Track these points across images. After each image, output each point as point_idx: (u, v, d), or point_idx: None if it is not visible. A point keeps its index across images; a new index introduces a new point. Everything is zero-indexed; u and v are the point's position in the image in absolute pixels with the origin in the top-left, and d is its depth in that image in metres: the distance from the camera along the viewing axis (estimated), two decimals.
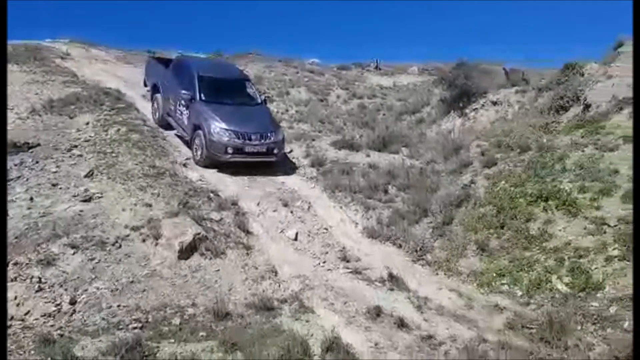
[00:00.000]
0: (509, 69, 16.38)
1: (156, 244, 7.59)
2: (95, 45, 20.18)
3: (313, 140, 13.13)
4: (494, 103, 13.90)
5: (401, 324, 6.55)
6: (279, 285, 7.68)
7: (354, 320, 6.69)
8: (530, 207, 9.01)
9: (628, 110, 9.95)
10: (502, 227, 8.86)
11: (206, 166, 10.95)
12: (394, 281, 7.90)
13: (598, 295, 7.30)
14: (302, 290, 7.57)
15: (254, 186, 10.50)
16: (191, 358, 5.23)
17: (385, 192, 10.71)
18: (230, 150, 10.93)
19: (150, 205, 8.40)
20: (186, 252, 7.57)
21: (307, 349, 5.84)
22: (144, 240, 7.62)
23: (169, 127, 12.45)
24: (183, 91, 11.69)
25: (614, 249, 7.76)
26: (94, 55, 18.71)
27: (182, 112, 11.95)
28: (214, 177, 10.61)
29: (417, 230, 9.43)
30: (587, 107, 11.20)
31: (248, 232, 8.86)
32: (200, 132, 11.17)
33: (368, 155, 12.49)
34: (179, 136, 12.11)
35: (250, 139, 11.14)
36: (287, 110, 16.69)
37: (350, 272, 8.20)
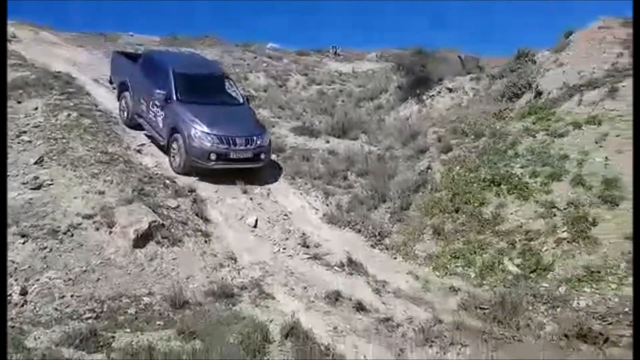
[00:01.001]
0: (464, 57, 16.68)
1: (110, 233, 7.39)
2: (44, 27, 19.28)
3: (273, 126, 13.04)
4: (450, 90, 14.12)
5: (360, 307, 6.65)
6: (239, 273, 7.64)
7: (313, 305, 6.75)
8: (483, 192, 9.24)
9: (577, 97, 10.28)
10: (457, 212, 9.06)
11: (186, 174, 9.90)
12: (353, 266, 8.00)
13: (548, 276, 7.59)
14: (262, 276, 7.57)
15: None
16: (148, 347, 5.14)
17: (345, 178, 10.79)
18: (213, 157, 9.87)
19: (103, 193, 8.16)
20: (142, 240, 7.40)
21: (267, 334, 5.85)
22: (97, 229, 7.41)
23: (138, 127, 11.45)
24: (157, 90, 10.51)
25: (564, 231, 8.06)
26: (43, 37, 17.86)
27: (155, 114, 10.79)
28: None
29: (375, 215, 9.56)
30: (539, 94, 11.52)
31: (206, 220, 8.76)
32: (178, 136, 10.13)
33: (327, 142, 12.52)
34: (149, 136, 11.15)
35: (235, 144, 10.10)
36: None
37: (310, 257, 8.25)
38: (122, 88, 12.20)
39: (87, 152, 9.40)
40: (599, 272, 7.30)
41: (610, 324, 6.40)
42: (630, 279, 6.94)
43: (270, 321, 6.25)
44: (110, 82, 13.21)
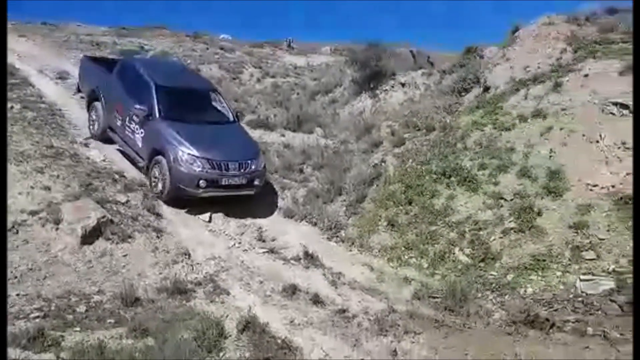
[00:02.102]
0: (416, 52, 16.98)
1: (57, 229, 7.10)
2: None
3: None
4: (403, 85, 14.33)
5: (316, 300, 6.68)
6: (193, 268, 7.51)
7: (270, 299, 6.73)
8: (435, 184, 9.45)
9: (524, 92, 10.65)
10: (410, 204, 9.23)
11: (167, 202, 8.91)
12: (309, 259, 8.02)
13: (496, 264, 7.84)
14: (217, 272, 7.47)
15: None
16: (98, 346, 5.00)
17: (301, 171, 10.81)
18: (203, 184, 8.79)
19: (49, 188, 7.83)
20: (90, 236, 7.15)
21: (222, 330, 5.79)
22: (43, 225, 7.11)
23: (110, 141, 10.39)
24: (137, 106, 9.40)
25: (510, 221, 8.34)
26: None
27: (133, 130, 9.65)
28: (119, 157, 10.10)
29: (331, 208, 9.63)
30: (487, 88, 11.86)
31: (158, 215, 8.56)
32: (161, 159, 9.00)
33: (283, 135, 12.48)
34: (122, 152, 10.12)
35: (227, 169, 9.01)
36: None
37: (267, 251, 8.22)
38: (92, 97, 10.98)
39: (31, 146, 8.99)
40: (544, 260, 7.60)
41: (555, 310, 6.69)
42: (575, 267, 7.29)
43: (226, 316, 6.19)
44: (78, 89, 12.12)
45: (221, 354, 5.39)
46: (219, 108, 10.72)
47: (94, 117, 10.84)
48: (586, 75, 9.96)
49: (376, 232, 8.87)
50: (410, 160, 10.33)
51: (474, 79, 12.69)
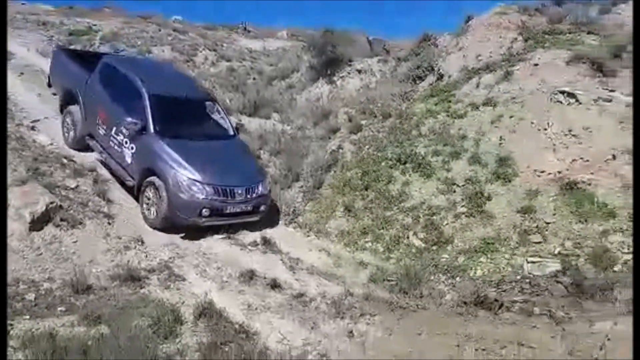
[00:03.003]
0: (372, 39, 17.07)
1: None
2: None
3: None
4: (359, 71, 14.40)
5: (274, 284, 6.69)
6: (146, 255, 7.36)
7: (227, 284, 6.69)
8: (390, 170, 9.59)
9: (476, 80, 10.90)
10: (366, 189, 9.35)
11: (164, 229, 8.00)
12: (267, 245, 8.02)
13: (448, 248, 8.06)
14: (171, 258, 7.35)
15: None
16: (49, 334, 4.85)
17: (258, 157, 10.72)
18: (206, 213, 7.85)
19: None
20: (38, 223, 6.89)
21: (178, 316, 5.72)
22: None
23: (88, 148, 9.40)
24: (129, 119, 8.32)
25: (462, 206, 8.58)
26: None
27: (121, 143, 8.60)
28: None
29: (289, 194, 9.63)
30: (441, 76, 12.08)
31: (109, 201, 8.32)
32: (156, 180, 8.02)
33: (239, 120, 12.32)
34: (103, 163, 9.13)
35: (233, 196, 8.09)
36: None
37: (223, 237, 8.13)
38: (67, 99, 9.82)
39: None
40: (493, 243, 7.86)
41: (504, 291, 6.95)
42: (522, 249, 7.57)
43: (182, 303, 6.11)
44: (49, 84, 10.88)
45: (177, 340, 5.33)
46: (219, 120, 9.66)
47: (69, 122, 9.67)
48: (536, 65, 10.29)
49: (333, 217, 8.94)
50: (367, 147, 10.44)
51: (428, 67, 12.89)
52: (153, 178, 8.11)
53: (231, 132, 9.53)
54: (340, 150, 10.58)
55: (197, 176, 7.92)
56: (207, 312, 5.79)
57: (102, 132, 9.01)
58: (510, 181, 8.69)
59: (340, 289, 6.92)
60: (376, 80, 13.92)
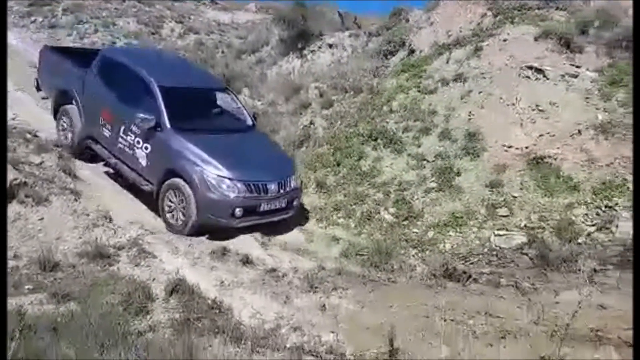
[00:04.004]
0: (343, 13, 16.88)
1: None
2: None
3: None
4: (330, 46, 14.27)
5: (246, 261, 6.67)
6: (115, 232, 7.21)
7: (199, 261, 6.64)
8: (362, 146, 9.62)
9: (446, 55, 10.92)
10: (338, 165, 9.36)
11: (191, 235, 7.27)
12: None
13: (418, 222, 8.18)
14: (141, 235, 7.22)
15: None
16: (17, 311, 4.74)
17: None
18: (239, 213, 7.22)
19: None
20: None
21: (149, 293, 5.66)
22: None
23: (89, 155, 8.70)
24: (141, 115, 7.50)
25: (432, 181, 8.69)
26: None
27: (132, 144, 7.80)
28: (30, 116, 9.41)
29: None
30: (412, 52, 12.06)
31: (75, 177, 8.11)
32: (180, 182, 7.31)
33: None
34: (113, 167, 8.35)
35: (266, 191, 7.48)
36: (114, 43, 15.25)
37: None
38: (62, 100, 8.92)
39: None
40: (462, 217, 8.02)
41: (472, 263, 7.13)
42: (490, 223, 7.75)
43: (153, 280, 6.05)
44: (38, 88, 9.95)
45: (149, 317, 5.29)
46: (236, 111, 9.03)
47: (64, 124, 8.85)
48: (505, 40, 10.37)
49: (305, 193, 8.93)
50: (339, 123, 10.42)
51: (399, 42, 12.85)
52: (175, 180, 7.37)
53: (250, 123, 8.85)
54: (312, 126, 10.54)
55: (226, 172, 7.21)
56: (178, 288, 5.75)
57: (107, 133, 8.17)
58: (478, 156, 8.83)
59: (313, 264, 6.97)
60: (347, 55, 13.82)
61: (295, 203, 8.00)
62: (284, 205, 7.75)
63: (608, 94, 8.72)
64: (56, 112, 9.14)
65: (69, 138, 8.84)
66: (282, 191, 7.65)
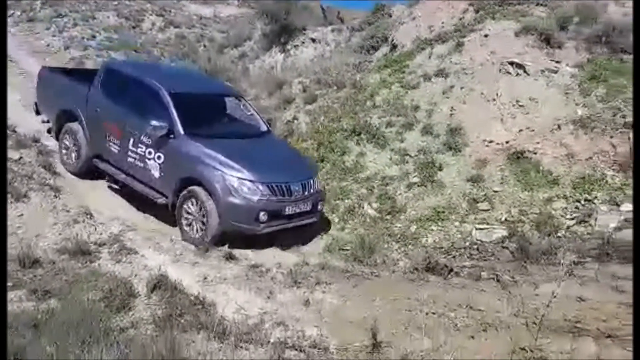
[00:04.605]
0: (326, 7, 16.91)
1: None
2: None
3: None
4: (313, 40, 14.27)
5: (230, 257, 6.65)
6: (95, 228, 7.13)
7: (181, 257, 6.60)
8: (346, 141, 9.63)
9: (428, 51, 10.99)
10: (322, 161, 9.36)
11: (215, 244, 6.93)
12: None
13: (401, 217, 8.21)
14: (122, 231, 7.15)
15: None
16: None
17: None
18: (263, 217, 6.91)
19: None
20: None
21: (131, 289, 5.62)
22: None
23: (95, 173, 8.36)
24: (153, 122, 7.22)
25: (414, 176, 8.74)
26: None
27: (143, 156, 7.53)
28: (9, 111, 9.22)
29: None
30: (394, 47, 12.12)
31: (55, 173, 8.03)
32: (198, 190, 7.01)
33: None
34: (120, 183, 8.03)
35: (290, 193, 7.21)
36: (94, 37, 15.02)
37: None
38: (64, 119, 8.61)
39: None
40: (444, 212, 8.07)
41: (454, 257, 7.18)
42: (471, 217, 7.82)
43: (135, 276, 6.00)
44: (37, 112, 9.57)
45: (131, 314, 5.25)
46: (249, 116, 8.77)
47: (68, 144, 8.53)
48: (486, 36, 10.45)
49: None
50: (322, 118, 10.42)
51: (382, 37, 12.91)
52: (193, 188, 7.06)
53: (265, 128, 8.61)
54: (296, 121, 10.52)
55: (247, 175, 6.91)
56: (161, 284, 5.71)
57: (115, 149, 7.91)
58: (460, 151, 8.90)
59: (297, 259, 6.97)
60: (330, 50, 13.84)
61: (319, 207, 7.78)
62: (309, 208, 7.49)
63: (587, 90, 8.84)
64: (58, 134, 8.82)
65: (72, 158, 8.55)
66: (306, 193, 7.40)
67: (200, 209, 7.02)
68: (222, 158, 7.02)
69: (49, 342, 4.08)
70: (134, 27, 17.03)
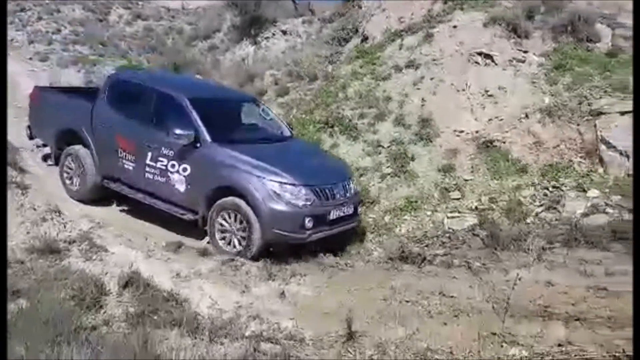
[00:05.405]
0: None
1: None
2: None
3: (94, 64, 11.87)
4: (284, 32, 14.18)
5: (204, 252, 6.58)
6: (64, 226, 6.97)
7: (154, 254, 6.50)
8: (319, 133, 9.64)
9: (398, 42, 11.04)
10: None
11: (254, 258, 6.47)
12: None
13: (375, 207, 8.28)
14: (92, 228, 7.01)
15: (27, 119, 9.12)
16: None
17: None
18: (309, 223, 6.44)
19: None
20: None
21: (102, 287, 5.51)
22: None
23: (103, 199, 7.86)
24: (177, 131, 6.72)
25: (387, 167, 8.81)
26: None
27: (166, 171, 6.99)
28: None
29: None
30: (365, 38, 12.15)
31: (22, 170, 7.81)
32: (236, 200, 6.51)
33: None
34: (139, 203, 7.54)
35: (333, 197, 6.77)
36: (59, 30, 14.63)
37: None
38: (65, 141, 8.02)
39: None
40: (416, 201, 8.17)
41: (426, 245, 7.28)
42: (443, 206, 7.94)
43: (106, 273, 5.89)
44: (31, 136, 8.89)
45: (103, 311, 5.16)
46: (271, 121, 8.36)
47: (72, 167, 7.95)
48: (455, 27, 10.56)
49: None
50: (295, 110, 10.41)
51: (353, 29, 12.91)
52: (227, 199, 6.57)
53: (289, 132, 8.27)
54: None
55: (289, 178, 6.44)
56: (133, 281, 5.61)
57: (129, 166, 7.38)
58: (431, 141, 9.00)
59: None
60: (302, 42, 13.79)
61: (359, 210, 7.47)
62: (351, 211, 7.09)
63: (554, 78, 9.03)
64: (57, 158, 8.26)
65: (76, 183, 7.98)
66: (347, 195, 7.03)
67: (241, 222, 6.51)
68: (258, 162, 6.54)
69: (18, 343, 3.99)
70: (100, 21, 16.68)
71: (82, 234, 6.79)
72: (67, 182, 8.03)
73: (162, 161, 7.02)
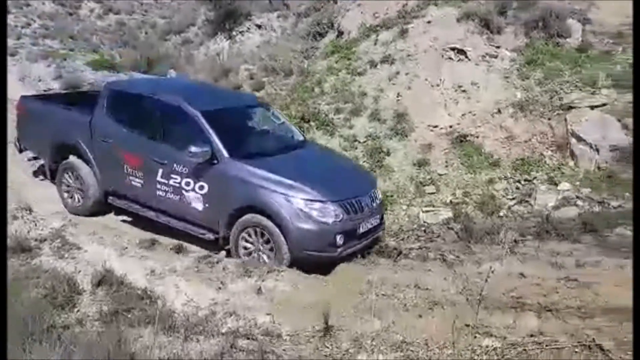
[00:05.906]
0: None
1: None
2: None
3: (64, 59, 11.61)
4: (259, 27, 14.09)
5: (178, 250, 6.51)
6: (36, 224, 6.82)
7: (127, 251, 6.40)
8: None
9: (374, 37, 11.08)
10: None
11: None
12: None
13: None
14: (64, 226, 6.86)
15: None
16: None
17: None
18: (340, 240, 6.08)
19: None
20: None
21: (75, 286, 5.42)
22: None
23: (104, 211, 7.56)
24: (193, 149, 6.28)
25: (364, 162, 8.85)
26: None
27: (180, 189, 6.59)
28: None
29: None
30: (340, 33, 12.15)
31: None
32: (261, 219, 6.14)
33: (131, 77, 11.64)
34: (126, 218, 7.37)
35: (362, 209, 6.35)
36: (29, 24, 14.27)
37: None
38: (62, 154, 7.58)
39: None
40: (392, 196, 8.24)
41: (402, 239, 7.34)
42: (418, 200, 8.03)
43: (78, 272, 5.79)
44: (20, 149, 8.36)
45: (76, 310, 5.07)
46: (281, 126, 7.84)
47: (70, 183, 7.57)
48: (429, 22, 10.64)
49: None
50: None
51: (328, 24, 12.90)
52: (250, 216, 6.22)
53: (301, 137, 7.76)
54: None
55: (315, 194, 6.04)
56: (106, 280, 5.53)
57: (138, 183, 6.96)
58: (406, 136, 9.09)
59: None
60: (277, 36, 13.72)
61: (384, 218, 7.12)
62: (378, 222, 6.72)
63: (526, 73, 9.19)
64: (53, 172, 7.81)
65: (76, 199, 7.60)
66: (374, 205, 6.63)
67: (268, 241, 6.19)
68: (280, 178, 6.13)
69: None
70: (70, 14, 16.30)
71: (54, 232, 6.66)
72: (68, 198, 7.69)
73: (175, 178, 6.62)
